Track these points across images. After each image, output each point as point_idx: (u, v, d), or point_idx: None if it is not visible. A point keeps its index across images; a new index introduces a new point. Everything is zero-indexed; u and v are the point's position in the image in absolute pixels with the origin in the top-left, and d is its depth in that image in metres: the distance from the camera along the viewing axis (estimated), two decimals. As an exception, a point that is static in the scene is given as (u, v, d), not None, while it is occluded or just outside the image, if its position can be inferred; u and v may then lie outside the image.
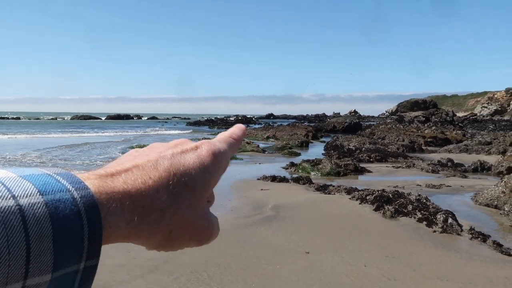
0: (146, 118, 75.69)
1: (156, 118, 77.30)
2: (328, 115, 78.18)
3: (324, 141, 21.88)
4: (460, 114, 61.24)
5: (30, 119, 65.07)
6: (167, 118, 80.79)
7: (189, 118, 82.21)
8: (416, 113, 32.42)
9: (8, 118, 62.12)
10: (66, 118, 66.45)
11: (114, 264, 3.86)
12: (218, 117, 70.80)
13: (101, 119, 66.31)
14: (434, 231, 5.06)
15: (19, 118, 62.65)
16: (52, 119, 66.81)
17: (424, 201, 6.08)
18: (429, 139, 20.25)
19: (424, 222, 5.36)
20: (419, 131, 22.00)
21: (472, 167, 11.19)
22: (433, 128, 23.29)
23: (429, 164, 11.37)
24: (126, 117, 70.07)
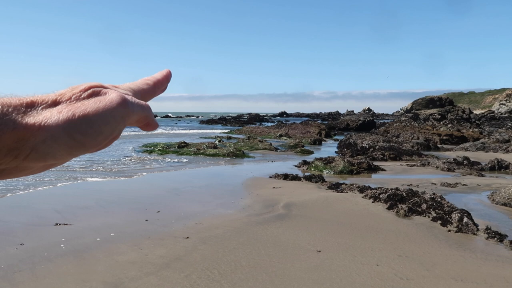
0: (160, 116, 76.19)
1: (170, 117, 77.83)
2: (342, 113, 77.63)
3: (337, 139, 21.73)
4: (477, 111, 60.09)
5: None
6: (180, 117, 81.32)
7: (202, 116, 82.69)
8: (432, 111, 31.94)
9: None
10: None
11: (126, 261, 3.89)
12: (231, 115, 70.89)
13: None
14: (449, 231, 4.97)
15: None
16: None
17: (439, 199, 5.98)
18: (444, 137, 19.92)
19: (439, 221, 5.27)
20: (435, 129, 21.66)
21: (489, 165, 10.96)
22: (449, 125, 22.90)
23: (444, 163, 11.18)
24: (140, 115, 70.46)
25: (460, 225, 5.03)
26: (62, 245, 4.38)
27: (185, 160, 12.30)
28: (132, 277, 3.54)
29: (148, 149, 14.98)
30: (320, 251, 4.19)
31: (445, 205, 5.73)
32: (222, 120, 49.86)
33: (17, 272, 3.67)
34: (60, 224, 5.18)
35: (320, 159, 11.06)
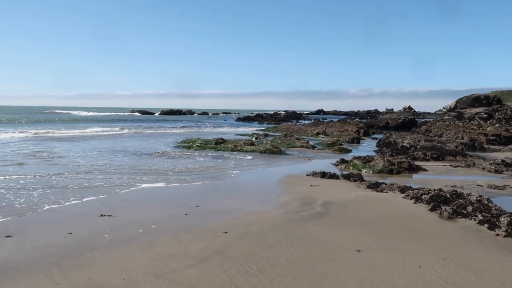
0: (197, 113, 77.45)
1: (207, 114, 78.98)
2: (381, 111, 75.67)
3: (376, 138, 21.23)
4: (527, 110, 56.63)
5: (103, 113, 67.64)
6: (217, 114, 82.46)
7: (239, 113, 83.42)
8: (478, 109, 30.51)
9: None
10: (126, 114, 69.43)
11: (166, 253, 4.00)
12: (267, 112, 70.94)
13: (154, 113, 69.16)
14: (497, 235, 4.73)
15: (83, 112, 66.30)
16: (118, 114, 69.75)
17: (486, 202, 5.71)
18: (491, 137, 18.95)
19: (486, 225, 5.03)
20: (481, 129, 20.66)
21: (541, 167, 10.32)
22: (497, 125, 21.78)
23: (491, 164, 10.65)
24: (179, 112, 72.13)
25: (509, 230, 4.78)
26: (106, 235, 4.56)
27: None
28: (173, 268, 3.63)
29: (186, 145, 15.28)
30: (359, 251, 4.12)
31: (493, 208, 5.46)
32: (259, 117, 50.00)
33: (65, 259, 3.85)
34: (104, 215, 5.40)
35: (359, 157, 10.85)
